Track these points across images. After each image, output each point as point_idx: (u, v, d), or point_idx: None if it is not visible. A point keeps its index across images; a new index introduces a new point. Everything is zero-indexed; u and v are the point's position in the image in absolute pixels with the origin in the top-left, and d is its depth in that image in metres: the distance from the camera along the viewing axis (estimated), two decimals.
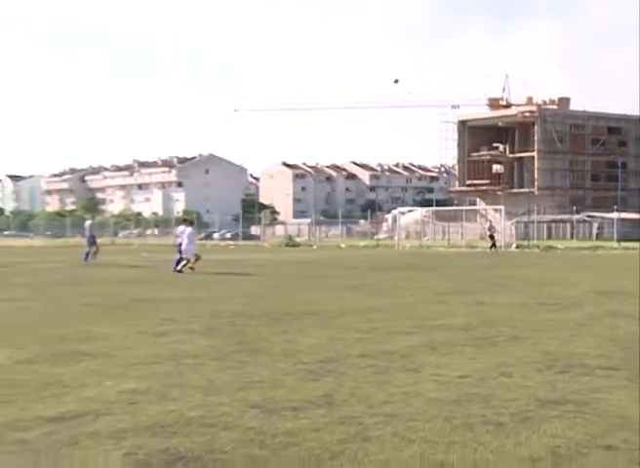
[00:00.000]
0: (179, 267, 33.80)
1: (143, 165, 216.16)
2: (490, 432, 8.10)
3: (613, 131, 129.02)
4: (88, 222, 47.60)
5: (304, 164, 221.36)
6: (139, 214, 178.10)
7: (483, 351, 13.13)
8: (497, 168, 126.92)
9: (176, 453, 7.40)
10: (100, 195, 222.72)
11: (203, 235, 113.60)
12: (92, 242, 44.12)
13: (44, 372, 11.48)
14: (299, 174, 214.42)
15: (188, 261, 34.12)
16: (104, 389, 10.23)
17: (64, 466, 7.06)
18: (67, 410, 9.06)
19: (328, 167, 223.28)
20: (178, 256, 34.42)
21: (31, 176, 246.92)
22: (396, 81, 46.89)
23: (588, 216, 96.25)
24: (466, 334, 15.03)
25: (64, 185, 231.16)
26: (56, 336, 15.16)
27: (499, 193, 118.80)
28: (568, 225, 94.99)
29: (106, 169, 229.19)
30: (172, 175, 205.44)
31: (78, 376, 11.16)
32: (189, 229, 35.19)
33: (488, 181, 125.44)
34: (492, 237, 66.64)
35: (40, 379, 10.98)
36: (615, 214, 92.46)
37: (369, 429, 8.21)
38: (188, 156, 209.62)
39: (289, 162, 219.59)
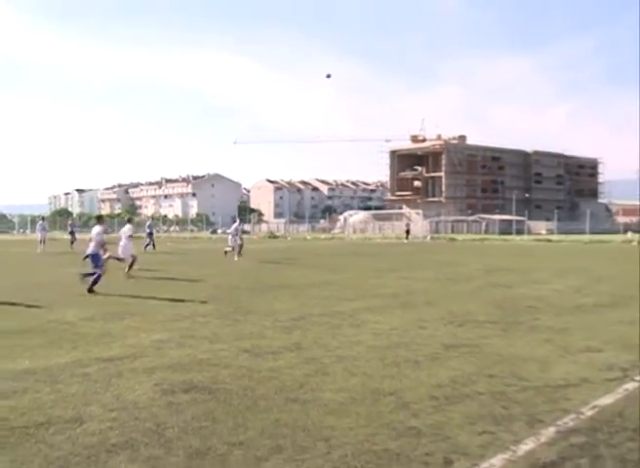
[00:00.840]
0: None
1: (169, 181, 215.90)
2: (410, 367, 8.18)
3: (495, 158, 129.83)
4: (148, 222, 46.47)
5: (282, 180, 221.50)
6: (165, 216, 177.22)
7: (406, 312, 13.21)
8: (416, 183, 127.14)
9: (190, 384, 7.42)
10: (137, 202, 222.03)
11: (210, 231, 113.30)
12: (150, 235, 41.71)
13: (99, 327, 11.43)
14: (278, 187, 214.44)
15: (131, 263, 22.01)
16: (140, 339, 10.21)
17: (114, 391, 7.06)
18: (115, 354, 9.05)
19: (298, 182, 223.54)
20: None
21: (91, 190, 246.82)
22: (328, 76, 43.86)
23: (479, 217, 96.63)
24: (395, 300, 15.10)
25: (114, 196, 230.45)
26: (106, 301, 15.09)
27: (418, 201, 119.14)
28: (465, 224, 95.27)
29: (142, 184, 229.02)
30: (188, 188, 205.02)
31: (122, 329, 11.13)
32: (127, 226, 22.72)
33: (410, 193, 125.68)
34: (407, 231, 67.38)
35: (96, 332, 10.95)
36: (497, 216, 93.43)
37: (327, 367, 8.27)
38: (200, 175, 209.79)
39: (271, 179, 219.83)
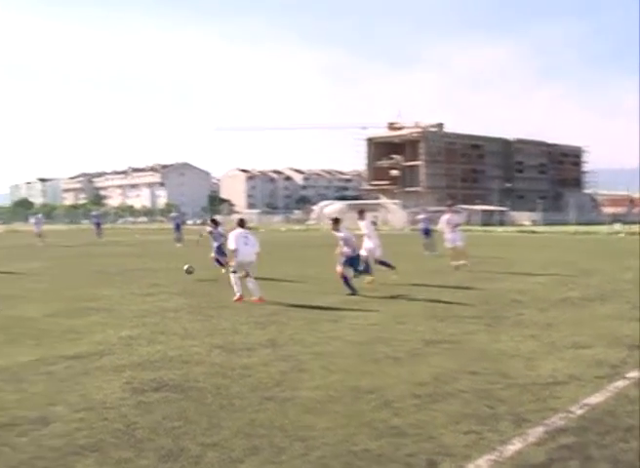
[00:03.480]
0: None
1: (136, 170, 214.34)
2: (391, 364, 8.19)
3: (475, 147, 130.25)
4: (174, 214, 46.84)
5: (254, 169, 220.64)
6: (131, 206, 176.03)
7: (386, 306, 13.22)
8: (394, 172, 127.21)
9: (161, 382, 7.37)
10: (103, 192, 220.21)
11: (184, 221, 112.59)
12: (178, 227, 41.03)
13: (64, 323, 11.35)
14: (250, 176, 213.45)
15: None
16: (107, 335, 10.14)
17: (80, 391, 6.99)
18: (81, 351, 8.98)
19: (271, 171, 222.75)
20: None
21: (54, 179, 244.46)
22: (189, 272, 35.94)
23: (460, 208, 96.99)
24: (373, 294, 15.11)
25: (78, 185, 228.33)
26: (71, 296, 14.99)
27: (395, 191, 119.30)
28: (440, 214, 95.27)
29: (108, 173, 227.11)
30: (156, 178, 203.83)
31: (88, 326, 11.05)
32: None
33: (388, 182, 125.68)
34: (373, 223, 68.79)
35: (61, 328, 10.87)
36: (478, 207, 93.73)
37: (303, 363, 8.25)
38: (168, 163, 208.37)
39: (243, 167, 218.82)
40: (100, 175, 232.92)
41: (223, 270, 19.43)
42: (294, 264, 23.74)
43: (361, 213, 18.59)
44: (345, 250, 15.40)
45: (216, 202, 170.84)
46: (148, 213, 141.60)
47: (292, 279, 18.31)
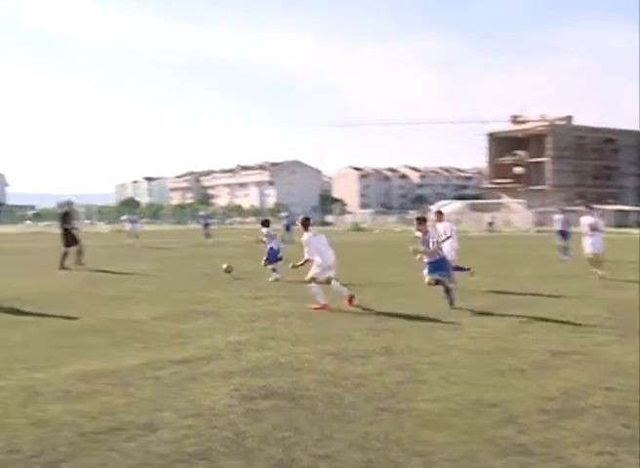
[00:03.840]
0: None
1: (244, 168, 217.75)
2: (516, 377, 8.04)
3: (608, 141, 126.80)
4: (284, 213, 47.44)
5: (368, 167, 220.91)
6: (239, 206, 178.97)
7: (506, 313, 12.99)
8: (517, 170, 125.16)
9: (271, 389, 7.47)
10: (210, 192, 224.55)
11: (294, 221, 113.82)
12: (287, 228, 41.73)
13: (171, 327, 11.65)
14: (363, 174, 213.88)
15: None
16: (215, 340, 10.34)
17: (188, 397, 7.15)
18: (189, 355, 9.19)
19: (386, 169, 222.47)
20: None
21: (160, 178, 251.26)
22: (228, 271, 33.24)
23: (597, 209, 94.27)
24: (496, 300, 14.91)
25: (185, 184, 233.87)
26: (178, 299, 15.37)
27: (519, 190, 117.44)
28: (575, 215, 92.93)
29: (215, 171, 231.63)
30: (265, 176, 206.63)
31: (196, 330, 11.31)
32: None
33: (511, 180, 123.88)
34: (490, 224, 69.08)
35: (168, 332, 11.16)
36: (611, 207, 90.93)
37: (421, 374, 8.20)
38: (278, 161, 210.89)
39: (356, 165, 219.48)
40: (207, 173, 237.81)
41: (273, 277, 19.33)
42: (407, 267, 23.58)
43: (439, 214, 18.19)
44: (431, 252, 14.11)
45: (327, 201, 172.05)
46: (257, 212, 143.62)
47: (405, 282, 18.17)
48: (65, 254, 23.70)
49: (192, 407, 6.83)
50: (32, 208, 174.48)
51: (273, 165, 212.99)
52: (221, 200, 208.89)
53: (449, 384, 7.65)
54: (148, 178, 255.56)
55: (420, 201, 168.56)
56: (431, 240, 14.00)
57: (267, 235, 20.62)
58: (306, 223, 14.35)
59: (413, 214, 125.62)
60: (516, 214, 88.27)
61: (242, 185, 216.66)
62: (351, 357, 9.06)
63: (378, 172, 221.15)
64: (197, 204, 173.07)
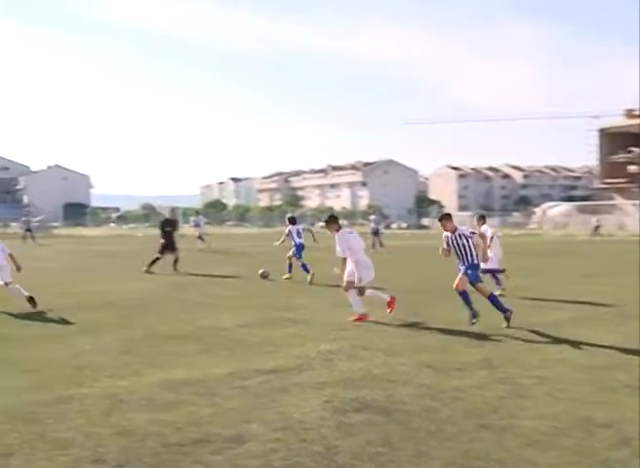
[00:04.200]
0: None
1: (335, 168, 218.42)
2: (629, 394, 7.85)
3: None
4: (373, 216, 47.22)
5: (467, 166, 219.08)
6: (330, 208, 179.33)
7: (620, 325, 12.70)
8: (632, 168, 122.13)
9: (364, 402, 7.47)
10: (300, 193, 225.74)
11: (383, 225, 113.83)
12: (375, 232, 41.53)
13: (258, 334, 11.76)
14: (462, 174, 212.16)
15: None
16: (306, 349, 10.40)
17: (277, 408, 7.21)
18: (278, 365, 9.27)
19: (486, 168, 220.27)
20: None
21: (247, 178, 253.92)
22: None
23: None
24: (608, 310, 14.61)
25: (273, 185, 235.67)
26: (264, 305, 15.52)
27: (634, 190, 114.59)
28: None
29: (305, 172, 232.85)
30: (357, 177, 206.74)
31: (285, 338, 11.39)
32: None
33: (624, 180, 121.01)
34: (597, 228, 66.67)
35: (256, 339, 11.28)
36: None
37: (524, 388, 8.08)
38: (371, 161, 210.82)
39: (454, 165, 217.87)
40: (296, 173, 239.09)
41: (287, 275, 21.10)
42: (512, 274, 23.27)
43: (481, 218, 18.03)
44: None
45: (424, 203, 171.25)
46: (349, 215, 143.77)
47: (507, 290, 17.88)
48: (157, 260, 23.99)
49: (281, 419, 6.88)
50: (117, 210, 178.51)
51: (366, 165, 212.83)
52: (312, 202, 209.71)
53: (555, 400, 7.52)
54: (235, 179, 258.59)
55: (524, 203, 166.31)
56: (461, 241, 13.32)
57: (296, 233, 22.35)
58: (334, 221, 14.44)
59: (516, 216, 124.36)
60: (630, 216, 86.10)
61: (333, 186, 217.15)
62: (449, 369, 8.99)
63: (477, 171, 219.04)
64: (286, 205, 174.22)
